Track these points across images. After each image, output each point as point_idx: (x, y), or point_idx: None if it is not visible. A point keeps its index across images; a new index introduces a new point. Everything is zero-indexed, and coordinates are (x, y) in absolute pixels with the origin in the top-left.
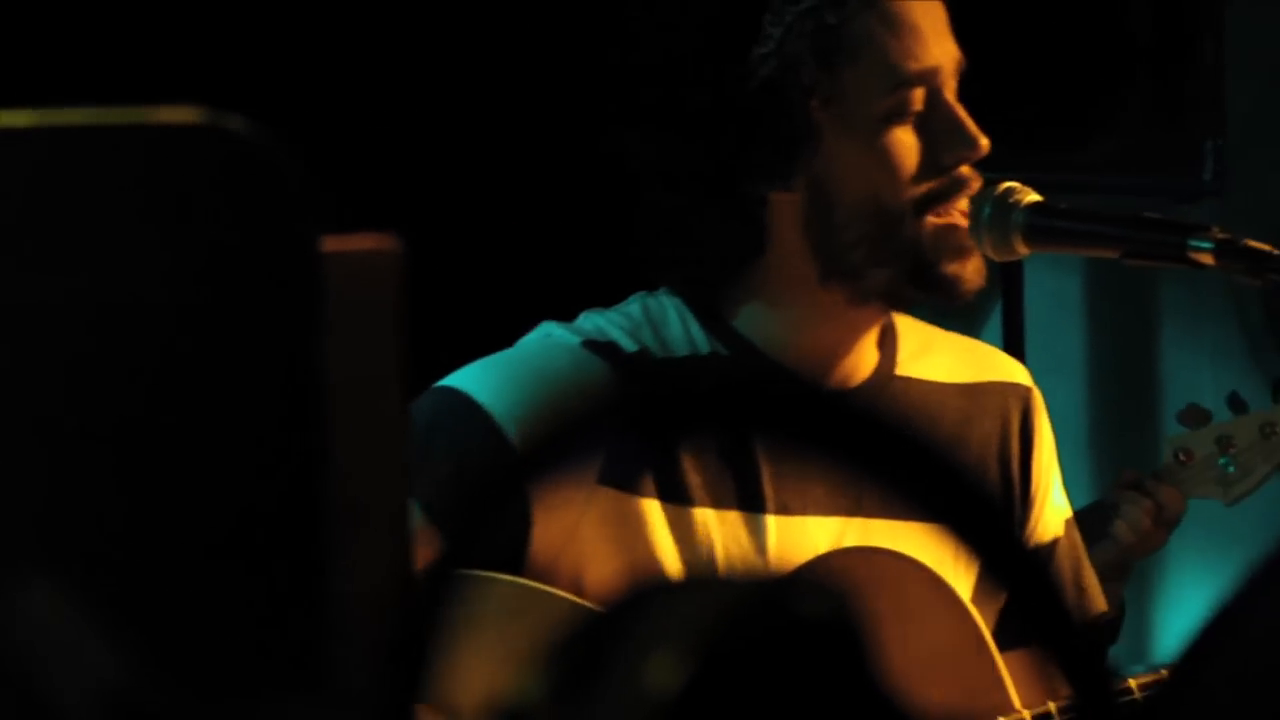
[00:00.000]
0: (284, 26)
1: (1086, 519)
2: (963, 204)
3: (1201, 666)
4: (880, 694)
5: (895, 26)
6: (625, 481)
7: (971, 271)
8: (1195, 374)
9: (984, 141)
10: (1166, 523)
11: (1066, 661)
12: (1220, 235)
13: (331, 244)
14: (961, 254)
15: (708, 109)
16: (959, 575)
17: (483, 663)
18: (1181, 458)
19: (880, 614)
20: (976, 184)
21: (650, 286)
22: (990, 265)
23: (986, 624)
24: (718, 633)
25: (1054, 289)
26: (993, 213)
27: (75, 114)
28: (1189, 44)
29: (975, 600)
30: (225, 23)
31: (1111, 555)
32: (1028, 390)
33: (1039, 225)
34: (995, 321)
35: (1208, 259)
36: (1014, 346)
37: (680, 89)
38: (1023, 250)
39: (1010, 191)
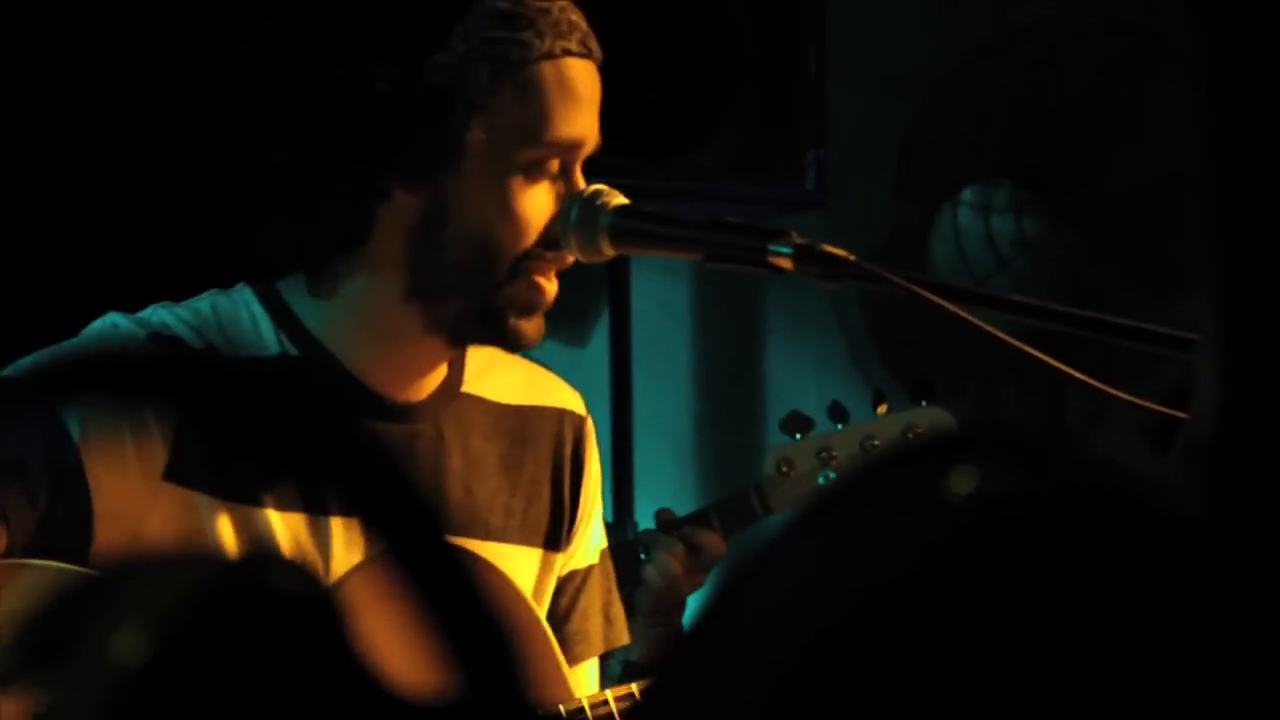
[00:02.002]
0: None
1: (619, 557)
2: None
3: (678, 672)
4: (357, 666)
5: (565, 89)
6: (189, 478)
7: (535, 329)
8: (799, 381)
9: None
10: (703, 567)
11: (467, 653)
12: (798, 240)
13: None
14: (533, 310)
15: (372, 92)
16: (543, 589)
17: None
18: (784, 469)
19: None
20: (570, 259)
21: (228, 282)
22: (598, 271)
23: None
24: (186, 608)
25: (661, 296)
26: (580, 214)
27: None
28: (793, 54)
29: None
30: None
31: (648, 601)
32: (581, 419)
33: (624, 227)
34: (603, 327)
35: (786, 263)
36: (621, 352)
37: (355, 67)
38: (609, 251)
39: (598, 194)
